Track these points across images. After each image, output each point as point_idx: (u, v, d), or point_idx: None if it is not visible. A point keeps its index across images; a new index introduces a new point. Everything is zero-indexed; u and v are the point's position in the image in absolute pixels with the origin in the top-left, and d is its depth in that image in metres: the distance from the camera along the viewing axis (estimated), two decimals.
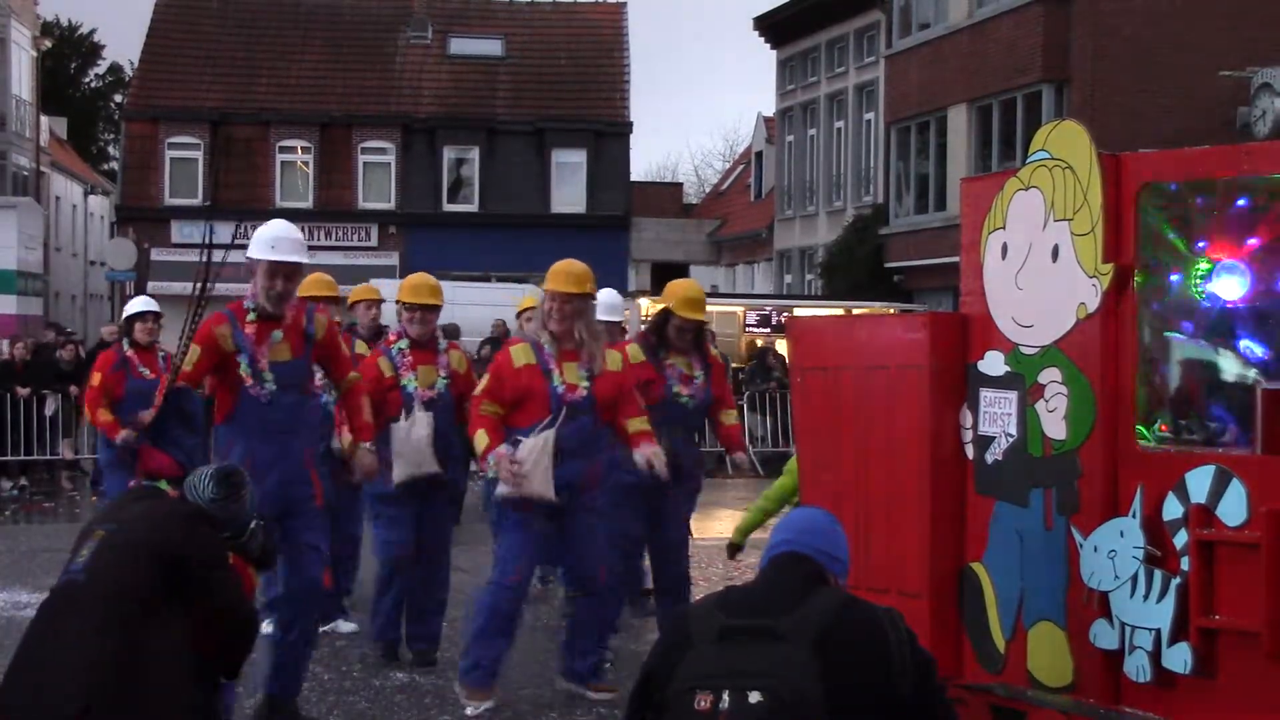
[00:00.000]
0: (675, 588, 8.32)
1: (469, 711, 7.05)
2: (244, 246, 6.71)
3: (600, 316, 8.61)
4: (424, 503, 8.01)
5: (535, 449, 6.92)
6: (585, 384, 7.06)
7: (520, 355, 7.10)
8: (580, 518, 7.13)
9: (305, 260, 6.78)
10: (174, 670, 4.63)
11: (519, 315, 10.40)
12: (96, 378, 10.50)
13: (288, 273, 6.65)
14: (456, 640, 8.07)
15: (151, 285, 32.89)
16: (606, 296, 9.07)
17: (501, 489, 7.02)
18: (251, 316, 6.64)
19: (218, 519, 5.16)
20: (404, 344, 8.08)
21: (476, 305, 22.48)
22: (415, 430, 7.87)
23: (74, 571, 4.80)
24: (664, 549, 8.22)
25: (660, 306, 8.15)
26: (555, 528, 7.11)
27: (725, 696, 3.51)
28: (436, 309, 8.17)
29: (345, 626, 8.86)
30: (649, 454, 7.13)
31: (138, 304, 11.16)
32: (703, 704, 3.53)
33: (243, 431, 6.61)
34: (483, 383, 7.21)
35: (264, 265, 6.60)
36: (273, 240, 6.63)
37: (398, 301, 8.25)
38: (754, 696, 3.49)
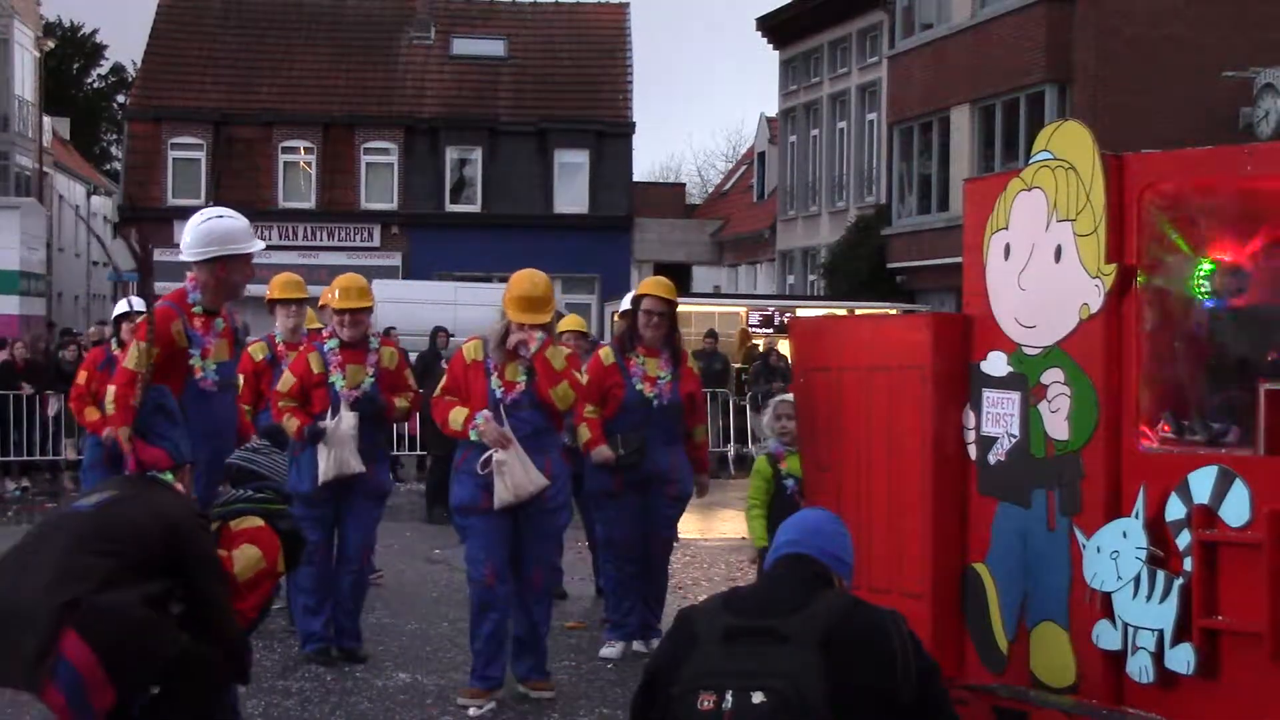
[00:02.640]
0: (659, 594, 8.41)
1: (471, 712, 7.08)
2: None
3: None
4: (343, 502, 8.05)
5: (509, 433, 7.08)
6: (523, 380, 7.17)
7: (471, 351, 7.30)
8: (536, 518, 7.20)
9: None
10: (159, 615, 4.66)
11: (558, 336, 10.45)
12: (83, 376, 10.50)
13: (249, 262, 6.57)
14: (458, 641, 8.08)
15: (154, 286, 32.86)
16: None
17: (501, 480, 7.04)
18: (197, 309, 6.53)
19: (256, 472, 5.45)
20: (335, 343, 8.10)
21: (478, 305, 22.51)
22: (340, 429, 7.90)
23: (80, 506, 4.85)
24: (648, 554, 8.33)
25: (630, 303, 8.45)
26: (512, 523, 7.18)
27: (729, 696, 3.52)
28: (367, 311, 8.16)
29: None
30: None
31: (126, 304, 11.09)
32: (706, 704, 3.54)
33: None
34: (444, 380, 7.40)
35: (236, 259, 6.47)
36: (235, 231, 6.49)
37: (321, 305, 8.23)
38: (757, 696, 3.50)
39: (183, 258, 6.49)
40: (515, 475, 7.06)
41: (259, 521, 5.37)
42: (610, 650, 8.26)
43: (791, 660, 3.54)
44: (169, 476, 5.36)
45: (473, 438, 7.11)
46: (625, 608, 8.32)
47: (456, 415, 7.19)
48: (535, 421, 7.18)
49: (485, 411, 7.12)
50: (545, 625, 7.40)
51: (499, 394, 7.16)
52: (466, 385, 7.24)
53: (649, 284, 8.29)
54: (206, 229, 6.49)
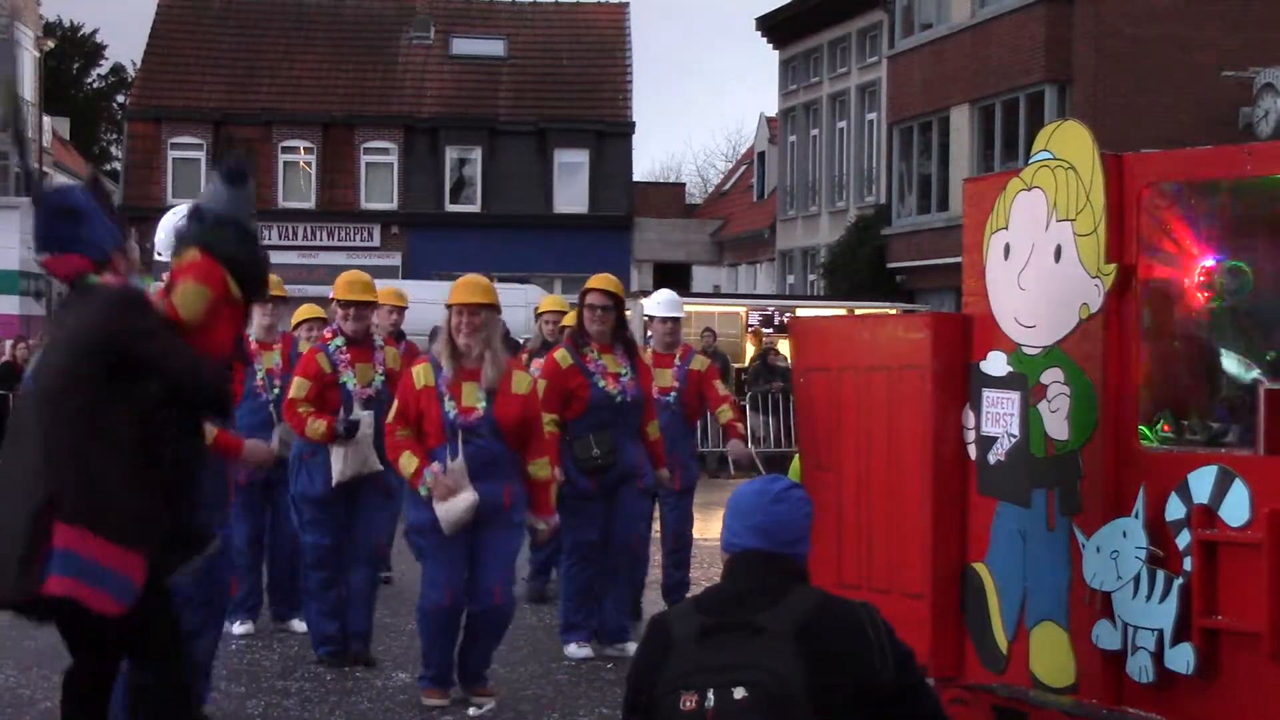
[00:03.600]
0: (637, 593, 8.41)
1: (471, 712, 7.08)
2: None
3: (670, 314, 9.32)
4: (355, 503, 8.00)
5: (459, 470, 6.93)
6: (482, 405, 7.01)
7: (420, 376, 7.08)
8: (496, 534, 7.09)
9: None
10: (129, 455, 4.72)
11: (539, 316, 10.38)
12: None
13: None
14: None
15: (155, 285, 32.87)
16: (667, 295, 9.59)
17: (438, 511, 6.95)
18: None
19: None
20: (340, 341, 8.00)
21: None
22: (359, 429, 7.86)
23: (26, 381, 4.97)
24: (623, 552, 8.32)
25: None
26: (470, 542, 7.09)
27: (710, 695, 3.51)
28: (371, 305, 8.13)
29: (301, 626, 8.78)
30: (551, 525, 7.36)
31: None
32: (688, 704, 3.53)
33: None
34: (394, 408, 7.17)
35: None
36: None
37: (332, 298, 8.19)
38: (739, 692, 3.49)
39: (165, 257, 6.37)
40: (449, 506, 6.94)
41: (195, 254, 5.14)
42: (581, 650, 8.23)
43: (769, 652, 3.53)
44: (94, 279, 4.98)
45: (422, 493, 6.96)
46: (586, 609, 8.32)
47: (407, 463, 6.99)
48: (494, 449, 7.01)
49: (435, 465, 6.94)
50: (496, 643, 7.38)
51: (452, 416, 6.97)
52: (419, 412, 7.03)
53: (594, 280, 8.30)
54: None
